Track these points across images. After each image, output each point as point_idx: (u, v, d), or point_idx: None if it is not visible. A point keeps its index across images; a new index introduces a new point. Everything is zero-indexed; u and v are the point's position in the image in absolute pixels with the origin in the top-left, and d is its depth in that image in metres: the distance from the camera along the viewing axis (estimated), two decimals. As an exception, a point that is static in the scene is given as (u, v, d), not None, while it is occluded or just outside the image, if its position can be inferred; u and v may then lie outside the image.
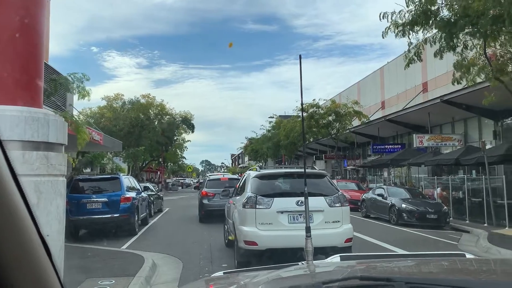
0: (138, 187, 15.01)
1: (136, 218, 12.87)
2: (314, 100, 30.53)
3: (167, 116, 43.71)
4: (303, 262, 2.94)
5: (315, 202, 6.95)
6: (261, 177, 7.88)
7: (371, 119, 29.58)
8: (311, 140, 36.96)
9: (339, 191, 7.90)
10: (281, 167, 14.77)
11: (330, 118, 30.37)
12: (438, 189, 18.08)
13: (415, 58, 12.55)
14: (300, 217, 6.95)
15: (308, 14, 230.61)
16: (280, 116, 50.25)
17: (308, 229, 5.06)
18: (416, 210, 14.80)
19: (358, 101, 30.15)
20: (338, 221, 7.37)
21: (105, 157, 31.30)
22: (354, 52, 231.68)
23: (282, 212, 7.22)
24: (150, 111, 43.04)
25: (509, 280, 1.68)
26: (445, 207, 15.19)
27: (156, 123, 43.09)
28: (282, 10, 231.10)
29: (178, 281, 7.08)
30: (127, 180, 13.43)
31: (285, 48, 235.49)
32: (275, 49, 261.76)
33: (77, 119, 10.75)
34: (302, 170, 7.07)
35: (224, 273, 2.49)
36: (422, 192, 18.03)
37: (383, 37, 11.54)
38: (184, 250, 9.91)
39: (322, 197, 7.40)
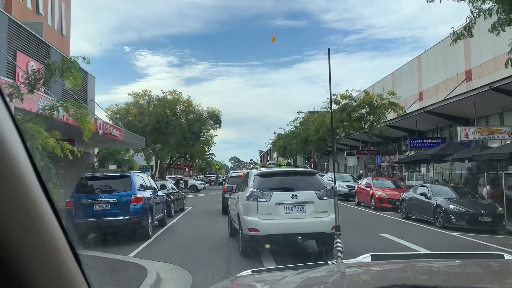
0: (154, 185, 13.78)
1: (150, 221, 11.62)
2: (347, 91, 28.69)
3: (193, 114, 42.70)
4: (333, 261, 2.66)
5: (307, 195, 8.38)
6: (261, 175, 9.01)
7: (408, 111, 27.48)
8: (342, 135, 34.96)
9: (327, 186, 8.85)
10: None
11: (363, 110, 28.42)
12: (488, 187, 16.09)
13: (465, 33, 10.77)
14: (295, 208, 8.35)
15: (338, 9, 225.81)
16: (308, 111, 48.58)
17: (338, 228, 4.86)
18: (466, 212, 12.94)
19: (393, 92, 28.11)
20: (326, 211, 8.35)
21: (121, 152, 30.50)
22: (385, 46, 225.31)
23: (279, 204, 8.32)
24: (177, 107, 42.23)
25: None
26: (500, 208, 13.27)
27: (182, 119, 42.17)
28: (312, 5, 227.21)
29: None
30: (140, 178, 12.15)
31: (315, 44, 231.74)
32: (304, 45, 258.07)
33: (76, 108, 9.45)
34: (296, 169, 9.96)
35: (252, 271, 2.41)
36: (470, 190, 16.05)
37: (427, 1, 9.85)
38: (197, 260, 8.57)
39: (313, 191, 8.53)
